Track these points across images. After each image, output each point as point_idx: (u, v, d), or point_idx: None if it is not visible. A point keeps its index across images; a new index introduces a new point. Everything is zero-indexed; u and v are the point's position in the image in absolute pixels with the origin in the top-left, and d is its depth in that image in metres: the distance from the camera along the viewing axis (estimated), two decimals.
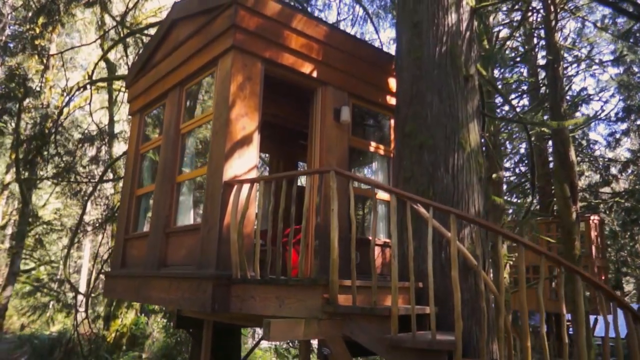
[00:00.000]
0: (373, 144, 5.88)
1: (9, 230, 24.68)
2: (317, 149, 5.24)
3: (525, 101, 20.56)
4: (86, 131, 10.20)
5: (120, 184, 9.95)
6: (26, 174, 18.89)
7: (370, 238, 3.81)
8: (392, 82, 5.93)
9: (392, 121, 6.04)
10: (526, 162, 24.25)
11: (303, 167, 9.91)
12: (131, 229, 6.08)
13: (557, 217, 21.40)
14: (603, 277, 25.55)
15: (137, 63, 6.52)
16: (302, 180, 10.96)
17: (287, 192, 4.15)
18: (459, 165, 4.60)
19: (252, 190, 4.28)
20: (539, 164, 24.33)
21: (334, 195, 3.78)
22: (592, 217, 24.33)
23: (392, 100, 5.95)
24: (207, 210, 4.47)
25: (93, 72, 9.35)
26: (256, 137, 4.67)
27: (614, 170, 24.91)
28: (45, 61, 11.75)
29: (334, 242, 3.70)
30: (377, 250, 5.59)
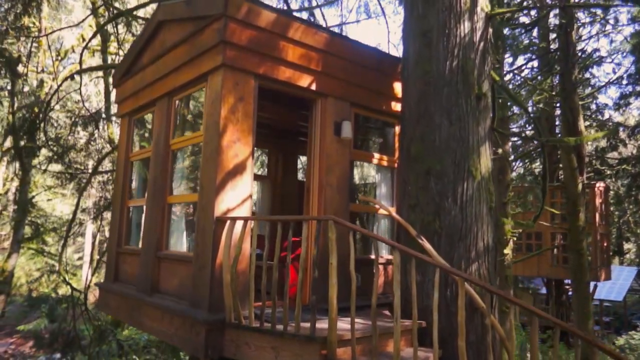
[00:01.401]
0: (376, 155, 5.52)
1: (11, 197, 24.63)
2: (317, 168, 4.90)
3: (535, 62, 19.77)
4: (78, 115, 9.80)
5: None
6: (24, 141, 18.57)
7: (372, 301, 3.51)
8: (397, 87, 5.50)
9: (397, 128, 5.67)
10: (533, 125, 23.72)
11: (303, 162, 9.58)
12: (123, 241, 5.84)
13: (562, 184, 21.13)
14: (605, 244, 25.60)
15: (124, 63, 6.07)
16: (301, 174, 10.64)
17: (282, 235, 3.86)
18: (469, 195, 4.28)
19: (246, 227, 3.99)
20: (546, 129, 23.84)
21: (333, 248, 3.51)
22: (597, 184, 24.06)
23: (397, 106, 5.55)
24: (199, 246, 4.20)
25: (82, 54, 8.85)
26: (250, 164, 4.33)
27: (622, 135, 24.38)
28: (31, 44, 11.16)
29: (332, 300, 3.46)
30: (380, 268, 5.37)
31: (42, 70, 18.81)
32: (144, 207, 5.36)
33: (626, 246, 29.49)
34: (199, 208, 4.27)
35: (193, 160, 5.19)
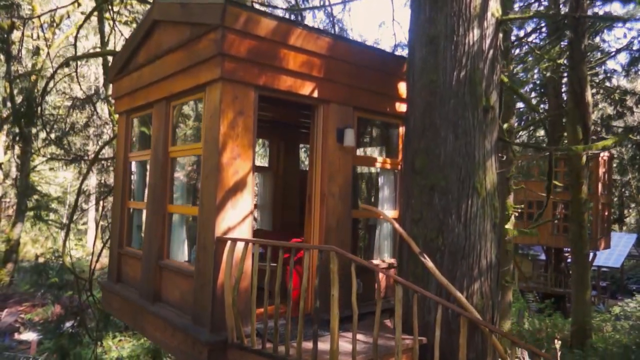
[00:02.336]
0: (380, 159, 5.42)
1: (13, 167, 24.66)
2: (318, 176, 4.81)
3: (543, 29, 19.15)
4: (76, 97, 9.60)
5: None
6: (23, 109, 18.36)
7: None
8: (402, 87, 5.33)
9: (401, 129, 5.53)
10: (540, 90, 23.30)
11: (305, 152, 9.45)
12: (125, 242, 5.83)
13: (566, 154, 21.01)
14: (606, 213, 25.66)
15: (119, 60, 5.87)
16: (305, 163, 10.50)
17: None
18: (473, 213, 4.21)
19: (247, 249, 3.95)
20: (553, 96, 23.43)
21: (334, 279, 3.48)
22: (601, 154, 23.88)
23: (401, 107, 5.40)
24: (200, 262, 4.17)
25: (77, 37, 8.52)
26: (250, 179, 4.24)
27: (629, 102, 23.98)
28: (24, 23, 10.79)
29: (333, 330, 3.45)
30: (381, 274, 5.36)
31: (37, 37, 18.38)
32: (145, 212, 5.31)
33: (628, 220, 29.61)
34: (200, 224, 4.22)
35: (193, 170, 5.08)
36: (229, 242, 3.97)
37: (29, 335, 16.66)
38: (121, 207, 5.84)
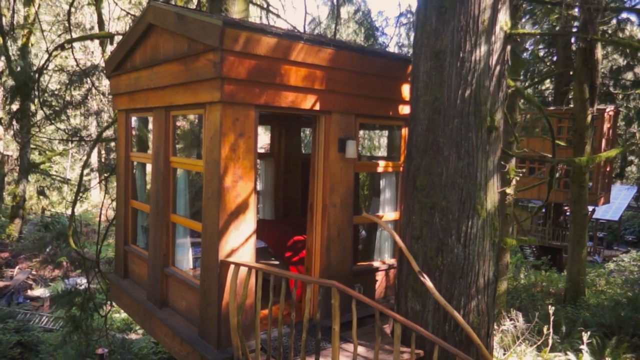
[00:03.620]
0: (382, 163, 5.40)
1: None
2: (320, 187, 4.83)
3: None
4: (74, 73, 9.37)
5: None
6: (20, 65, 18.06)
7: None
8: (405, 90, 5.24)
9: (404, 130, 5.48)
10: (546, 40, 22.59)
11: (308, 136, 9.34)
12: (130, 240, 5.94)
13: (571, 113, 20.75)
14: (608, 169, 25.67)
15: (115, 57, 5.70)
16: (307, 147, 10.37)
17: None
18: (472, 234, 4.26)
19: (251, 275, 4.04)
20: (561, 47, 22.75)
21: (336, 314, 3.58)
22: (607, 109, 23.56)
23: (404, 109, 5.32)
24: (205, 282, 4.28)
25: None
26: (253, 200, 4.27)
27: None
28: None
29: None
30: (381, 274, 5.51)
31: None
32: (149, 216, 5.37)
33: (629, 169, 29.55)
34: (203, 246, 4.29)
35: (196, 181, 5.07)
36: (232, 266, 4.06)
37: (41, 292, 17.25)
38: (125, 205, 5.89)
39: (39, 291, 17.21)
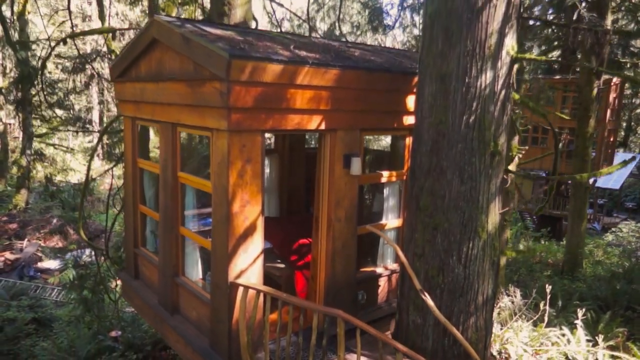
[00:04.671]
0: (385, 173, 5.48)
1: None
2: (325, 202, 4.95)
3: None
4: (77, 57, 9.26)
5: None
6: (17, 35, 17.81)
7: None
8: (410, 101, 5.26)
9: (408, 140, 5.54)
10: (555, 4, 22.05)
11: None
12: (140, 243, 6.11)
13: (577, 85, 20.50)
14: (612, 139, 25.58)
15: (120, 63, 5.67)
16: (313, 141, 10.30)
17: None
18: (473, 255, 4.40)
19: (259, 297, 4.22)
20: (569, 12, 22.26)
21: (341, 342, 3.76)
22: (613, 79, 23.24)
23: (408, 120, 5.36)
24: (215, 300, 4.47)
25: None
26: (260, 222, 4.39)
27: None
28: None
29: None
30: (384, 279, 5.69)
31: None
32: (158, 224, 5.51)
33: (632, 139, 29.44)
34: (213, 266, 4.45)
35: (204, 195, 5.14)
36: (241, 288, 4.23)
37: (50, 264, 17.68)
38: (133, 210, 6.02)
39: (48, 263, 17.64)
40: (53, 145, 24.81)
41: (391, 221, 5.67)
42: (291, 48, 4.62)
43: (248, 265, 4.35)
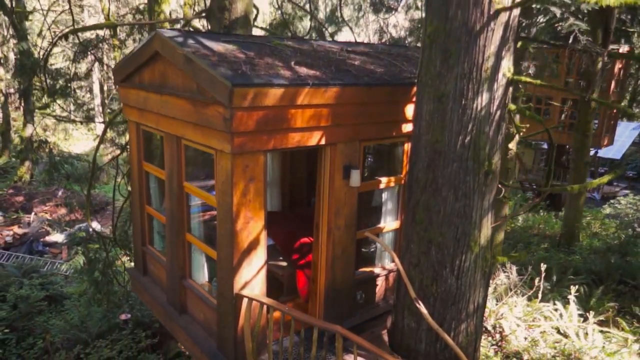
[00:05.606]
0: (384, 179, 5.64)
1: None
2: (325, 211, 5.14)
3: None
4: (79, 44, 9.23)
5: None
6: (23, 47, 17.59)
7: None
8: (409, 110, 5.37)
9: (407, 146, 5.68)
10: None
11: None
12: (147, 241, 6.35)
13: (583, 52, 20.24)
14: (615, 110, 25.39)
15: (122, 69, 5.73)
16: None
17: None
18: (465, 267, 4.64)
19: (263, 310, 4.48)
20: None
21: (339, 355, 4.03)
22: (620, 49, 22.94)
23: (407, 128, 5.49)
24: (221, 308, 4.74)
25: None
26: (263, 236, 4.60)
27: None
28: None
29: None
30: (382, 279, 5.96)
31: None
32: (165, 227, 5.73)
33: (636, 110, 29.22)
34: (219, 277, 4.69)
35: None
36: (245, 299, 4.49)
37: (58, 237, 18.10)
38: (140, 211, 6.24)
39: (56, 236, 18.06)
40: (55, 116, 24.82)
41: (389, 223, 5.88)
42: (292, 64, 4.70)
43: (252, 276, 4.60)
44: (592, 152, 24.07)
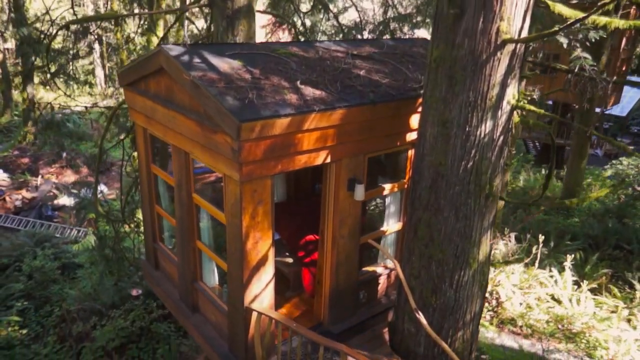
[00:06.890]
0: (387, 186, 5.78)
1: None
2: (330, 222, 5.33)
3: None
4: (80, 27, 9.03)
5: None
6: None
7: None
8: (414, 120, 5.43)
9: (410, 152, 5.78)
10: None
11: None
12: (157, 238, 6.58)
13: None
14: (624, 68, 24.98)
15: (128, 74, 5.72)
16: None
17: None
18: (464, 281, 4.87)
19: (272, 321, 4.76)
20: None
21: None
22: (633, 6, 22.23)
23: (411, 136, 5.57)
24: (232, 317, 5.02)
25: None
26: (271, 252, 4.81)
27: None
28: None
29: None
30: (383, 277, 6.23)
31: None
32: (174, 229, 5.94)
33: None
34: (229, 291, 4.95)
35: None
36: (255, 313, 4.76)
37: (66, 200, 18.42)
38: (150, 210, 6.42)
39: (64, 200, 18.38)
40: (54, 74, 24.45)
41: (392, 226, 6.07)
42: (298, 84, 4.72)
43: (261, 290, 4.85)
44: (598, 111, 23.87)
